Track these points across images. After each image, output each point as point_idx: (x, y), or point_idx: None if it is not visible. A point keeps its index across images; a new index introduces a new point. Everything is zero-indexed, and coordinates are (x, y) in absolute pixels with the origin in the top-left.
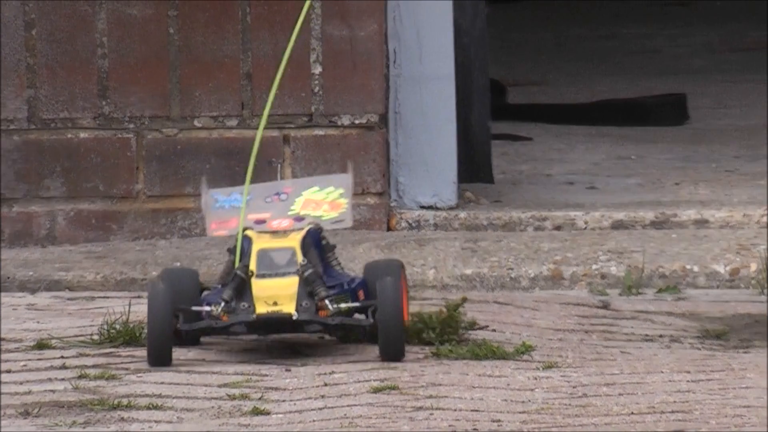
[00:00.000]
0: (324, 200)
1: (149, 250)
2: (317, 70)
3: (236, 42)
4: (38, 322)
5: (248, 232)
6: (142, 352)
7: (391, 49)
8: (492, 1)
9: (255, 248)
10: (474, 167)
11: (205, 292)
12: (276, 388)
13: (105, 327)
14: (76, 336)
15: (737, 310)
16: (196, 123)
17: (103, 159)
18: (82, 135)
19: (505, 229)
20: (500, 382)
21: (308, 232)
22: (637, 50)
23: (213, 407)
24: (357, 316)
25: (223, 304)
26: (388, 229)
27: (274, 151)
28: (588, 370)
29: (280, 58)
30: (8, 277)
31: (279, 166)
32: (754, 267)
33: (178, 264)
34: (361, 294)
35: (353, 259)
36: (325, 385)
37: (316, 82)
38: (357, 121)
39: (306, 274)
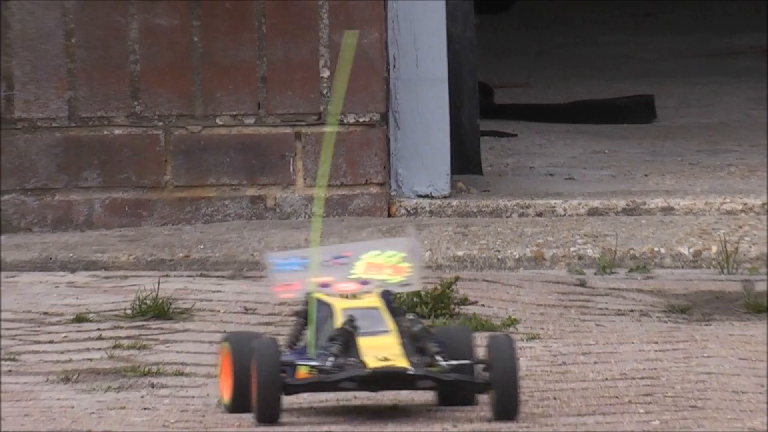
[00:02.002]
0: (385, 264)
1: (176, 234)
2: (325, 74)
3: (253, 49)
4: (77, 298)
5: (320, 296)
6: (170, 325)
7: (390, 55)
8: (480, 13)
9: (338, 308)
10: (465, 160)
11: (285, 356)
12: None
13: (137, 302)
14: (111, 310)
15: (699, 287)
16: (217, 121)
17: (134, 153)
18: (117, 132)
19: (492, 215)
20: None
21: (381, 294)
22: (611, 56)
23: None
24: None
25: (333, 359)
26: (389, 215)
27: (287, 146)
28: (567, 340)
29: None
30: (50, 258)
31: (291, 159)
32: (714, 249)
33: (246, 328)
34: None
35: (358, 242)
36: None
37: (324, 84)
38: (361, 120)
39: (415, 329)
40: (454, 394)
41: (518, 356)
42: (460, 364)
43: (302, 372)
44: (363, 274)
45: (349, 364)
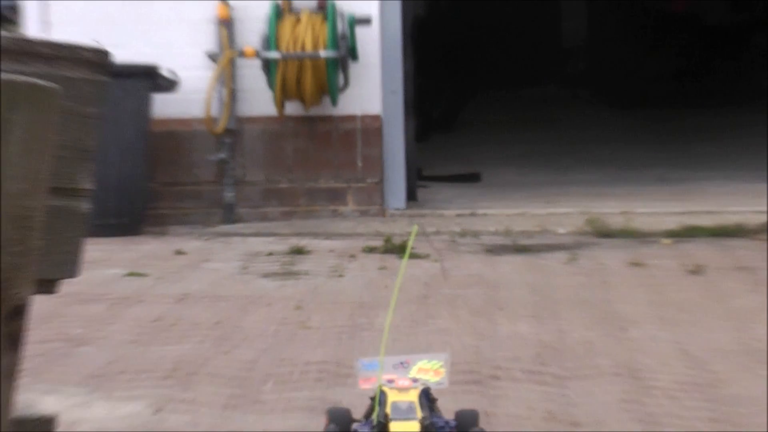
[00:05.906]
0: (431, 369)
1: (305, 223)
2: (360, 164)
3: (331, 154)
4: (267, 246)
5: (384, 388)
6: (303, 256)
7: (384, 157)
8: (418, 141)
9: (390, 400)
10: (411, 195)
11: (355, 424)
12: (347, 267)
13: (292, 248)
14: (282, 251)
15: (498, 243)
16: (319, 182)
17: (288, 195)
18: (283, 185)
19: (422, 217)
20: (421, 268)
21: (422, 390)
22: (467, 156)
23: (327, 272)
24: None
25: None
26: (383, 217)
27: (345, 191)
28: (448, 262)
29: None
30: (259, 232)
31: (347, 195)
32: (504, 229)
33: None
34: None
35: (368, 229)
36: (363, 268)
37: (359, 169)
38: (373, 181)
39: (426, 423)
40: None
41: None
42: None
43: None
44: (416, 374)
45: None
